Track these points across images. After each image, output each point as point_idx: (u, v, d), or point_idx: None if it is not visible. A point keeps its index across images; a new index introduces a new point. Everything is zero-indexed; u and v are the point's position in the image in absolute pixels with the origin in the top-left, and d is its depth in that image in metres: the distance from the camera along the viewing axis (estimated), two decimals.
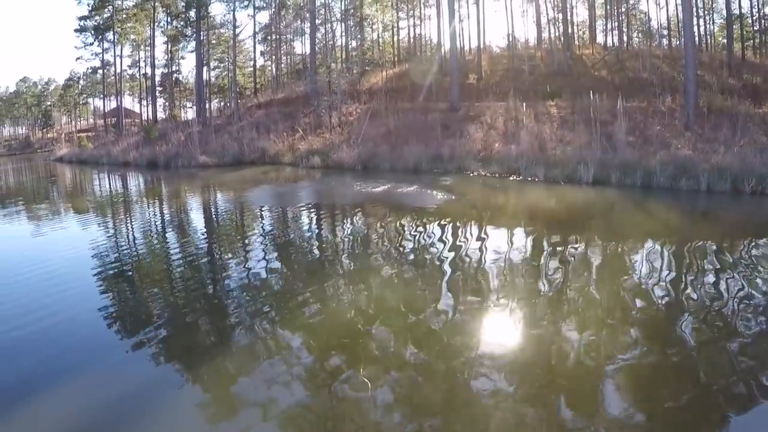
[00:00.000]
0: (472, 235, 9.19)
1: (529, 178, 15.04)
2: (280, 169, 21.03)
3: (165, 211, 13.52)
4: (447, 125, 22.56)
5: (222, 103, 50.34)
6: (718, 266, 6.73)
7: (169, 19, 41.97)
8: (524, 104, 22.33)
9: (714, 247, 7.76)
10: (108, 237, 9.88)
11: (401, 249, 8.10)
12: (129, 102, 54.57)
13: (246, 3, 37.95)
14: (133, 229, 11.01)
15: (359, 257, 7.86)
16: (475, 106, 24.64)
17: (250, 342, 4.79)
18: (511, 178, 15.41)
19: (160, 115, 46.75)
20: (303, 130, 25.23)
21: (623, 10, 36.38)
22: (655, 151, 15.24)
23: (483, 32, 33.65)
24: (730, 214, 10.68)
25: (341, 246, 8.69)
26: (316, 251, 8.45)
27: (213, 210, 13.53)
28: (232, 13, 37.83)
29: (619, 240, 8.35)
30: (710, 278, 6.28)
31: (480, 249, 7.97)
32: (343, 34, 39.59)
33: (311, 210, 12.27)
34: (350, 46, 42.60)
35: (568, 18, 36.03)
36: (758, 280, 6.04)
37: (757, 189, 11.53)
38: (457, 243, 8.40)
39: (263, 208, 12.79)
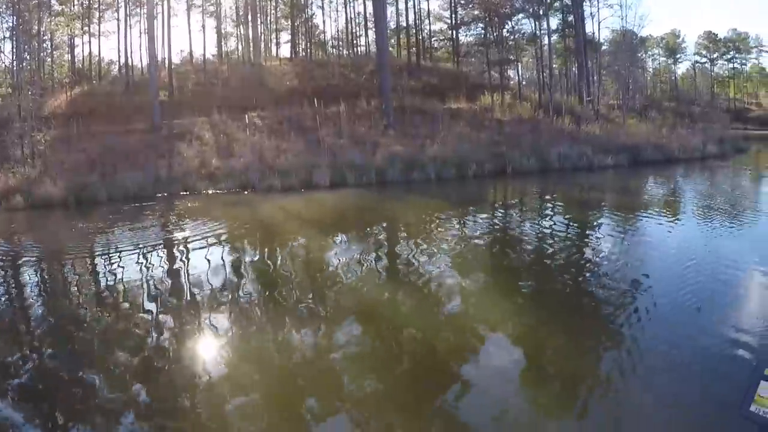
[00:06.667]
0: (260, 259, 8.17)
1: (265, 190, 14.39)
2: None
3: None
4: (154, 146, 20.29)
5: None
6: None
7: None
8: (228, 118, 21.56)
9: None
10: None
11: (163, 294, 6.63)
12: None
13: None
14: None
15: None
16: (176, 124, 22.77)
17: None
18: (246, 193, 14.52)
19: None
20: None
21: (300, 23, 38.28)
22: (372, 151, 16.23)
23: (169, 48, 31.31)
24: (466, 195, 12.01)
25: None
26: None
27: None
28: None
29: (404, 233, 8.43)
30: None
31: (285, 267, 7.09)
32: (12, 52, 32.21)
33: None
34: (21, 67, 34.99)
35: (250, 33, 36.32)
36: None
37: (478, 173, 13.25)
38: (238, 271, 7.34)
39: None
